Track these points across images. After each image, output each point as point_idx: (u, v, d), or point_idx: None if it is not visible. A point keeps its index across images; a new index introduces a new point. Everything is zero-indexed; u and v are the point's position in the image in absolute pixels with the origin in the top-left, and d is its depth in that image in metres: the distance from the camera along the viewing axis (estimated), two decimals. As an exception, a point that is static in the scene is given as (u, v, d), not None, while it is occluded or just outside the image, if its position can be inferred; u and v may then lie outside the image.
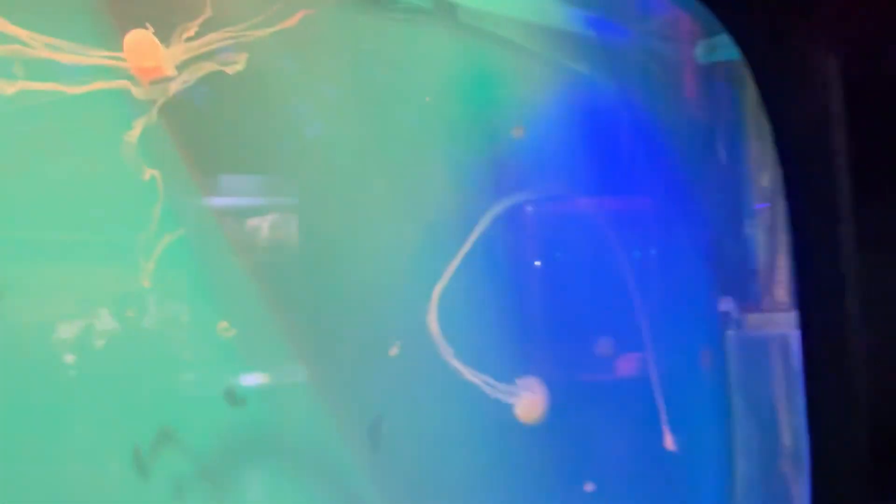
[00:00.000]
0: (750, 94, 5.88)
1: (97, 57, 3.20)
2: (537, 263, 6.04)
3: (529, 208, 5.77)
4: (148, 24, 3.46)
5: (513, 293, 5.86)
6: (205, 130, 4.71)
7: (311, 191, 5.17)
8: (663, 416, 5.86)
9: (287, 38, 4.40)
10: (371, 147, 5.20)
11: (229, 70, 3.90)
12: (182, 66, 3.77)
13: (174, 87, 3.72)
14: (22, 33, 2.98)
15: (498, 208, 5.47)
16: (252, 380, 4.88)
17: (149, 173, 3.89)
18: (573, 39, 5.83)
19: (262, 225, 5.13)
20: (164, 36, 3.64)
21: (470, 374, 5.30)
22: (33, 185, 3.89)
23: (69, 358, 4.12)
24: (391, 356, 5.20)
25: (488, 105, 5.56)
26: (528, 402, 5.49)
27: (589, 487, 5.62)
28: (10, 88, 3.13)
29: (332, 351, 5.19)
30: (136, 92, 3.54)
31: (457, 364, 5.27)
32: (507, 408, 5.41)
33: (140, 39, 3.25)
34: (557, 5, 5.67)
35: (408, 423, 5.32)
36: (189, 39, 3.62)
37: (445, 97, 5.31)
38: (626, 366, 6.02)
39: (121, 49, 3.27)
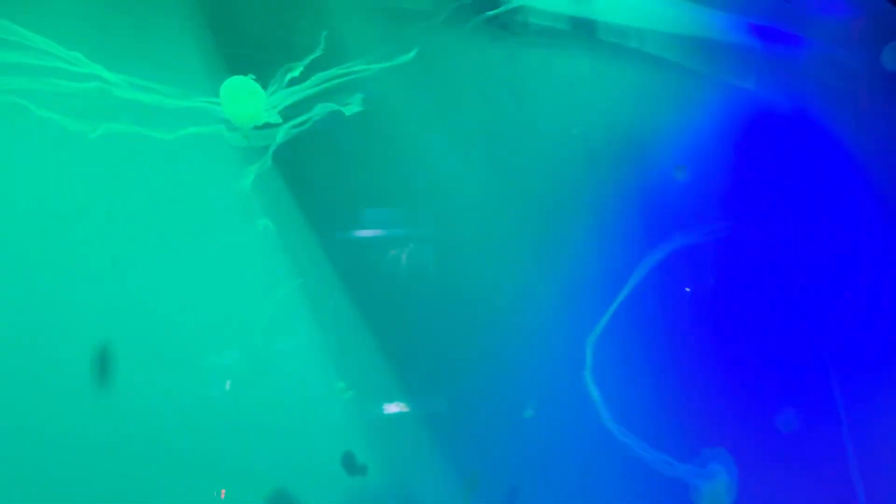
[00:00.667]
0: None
1: (198, 101, 3.09)
2: (701, 312, 5.32)
3: (695, 251, 5.18)
4: (249, 71, 3.34)
5: (676, 349, 5.26)
6: (328, 168, 4.63)
7: (445, 225, 5.00)
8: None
9: (410, 71, 4.22)
10: (508, 182, 4.92)
11: (346, 109, 3.68)
12: (294, 108, 3.59)
13: (287, 130, 3.57)
14: (124, 78, 2.91)
15: (657, 252, 5.04)
16: (373, 444, 4.68)
17: (262, 222, 3.74)
18: (734, 51, 5.23)
19: (400, 256, 5.06)
20: (271, 78, 3.49)
21: (629, 440, 4.82)
22: (148, 232, 3.95)
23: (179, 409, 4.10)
24: (529, 418, 4.93)
25: (638, 133, 5.11)
26: (717, 484, 4.89)
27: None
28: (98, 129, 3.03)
29: (463, 411, 4.92)
30: (237, 138, 3.40)
31: (617, 430, 4.84)
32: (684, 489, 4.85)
33: (239, 86, 3.12)
34: (712, 14, 5.05)
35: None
36: (296, 81, 3.45)
37: (589, 125, 4.91)
38: (817, 436, 5.24)
39: (224, 93, 3.13)
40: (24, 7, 2.65)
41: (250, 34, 3.66)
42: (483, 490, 4.79)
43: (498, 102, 4.80)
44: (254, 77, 3.22)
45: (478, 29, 4.07)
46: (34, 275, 3.65)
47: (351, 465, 4.52)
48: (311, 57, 3.48)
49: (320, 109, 3.71)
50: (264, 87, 3.21)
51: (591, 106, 4.91)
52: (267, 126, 3.41)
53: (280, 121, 3.37)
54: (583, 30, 4.77)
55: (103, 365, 3.87)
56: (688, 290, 5.37)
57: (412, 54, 3.74)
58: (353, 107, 3.66)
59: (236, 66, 3.45)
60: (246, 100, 3.13)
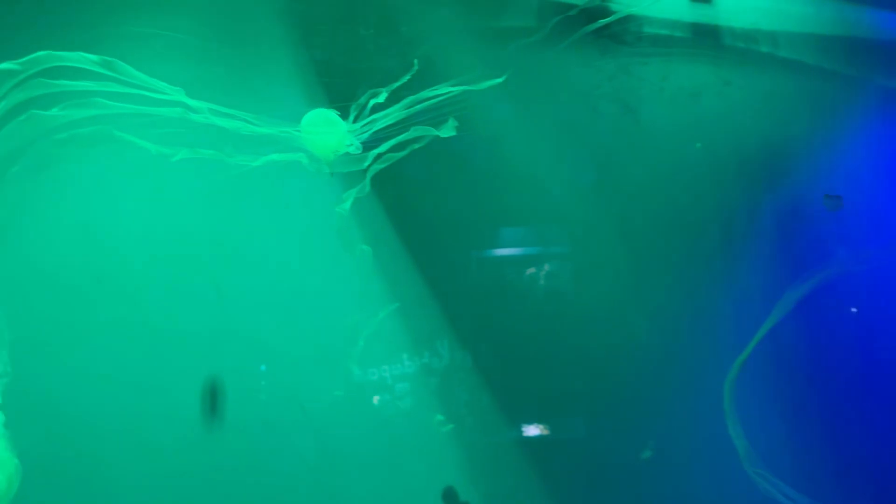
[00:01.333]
0: None
1: (287, 129, 3.22)
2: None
3: (850, 281, 4.64)
4: (339, 98, 3.43)
5: (826, 386, 4.71)
6: (456, 191, 4.68)
7: (583, 243, 4.91)
8: None
9: (517, 90, 4.19)
10: (625, 201, 4.78)
11: (443, 132, 3.70)
12: (393, 132, 3.65)
13: (380, 154, 3.63)
14: (211, 106, 3.08)
15: (804, 282, 4.61)
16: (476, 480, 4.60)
17: (360, 248, 3.85)
18: (884, 49, 4.71)
19: (537, 275, 5.03)
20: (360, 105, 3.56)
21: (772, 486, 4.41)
22: (247, 259, 4.12)
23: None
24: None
25: (774, 146, 4.72)
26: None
27: None
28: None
29: (588, 442, 4.78)
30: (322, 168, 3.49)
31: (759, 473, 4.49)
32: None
33: (320, 118, 3.23)
34: (857, 9, 4.57)
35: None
36: (395, 105, 3.50)
37: (714, 140, 4.62)
38: None
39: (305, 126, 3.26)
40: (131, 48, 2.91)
41: (339, 62, 3.77)
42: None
43: (610, 118, 4.68)
44: (338, 112, 3.31)
45: (585, 42, 3.97)
46: (140, 302, 3.84)
47: (453, 499, 4.53)
48: (406, 79, 3.52)
49: (420, 132, 3.72)
50: (352, 113, 3.29)
51: (717, 118, 4.65)
52: (363, 151, 3.49)
53: (360, 151, 3.44)
54: (705, 36, 4.51)
55: (210, 391, 4.06)
56: (854, 310, 4.89)
57: (517, 72, 3.71)
58: (448, 130, 3.67)
59: (323, 94, 3.57)
60: (327, 132, 3.24)
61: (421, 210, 4.62)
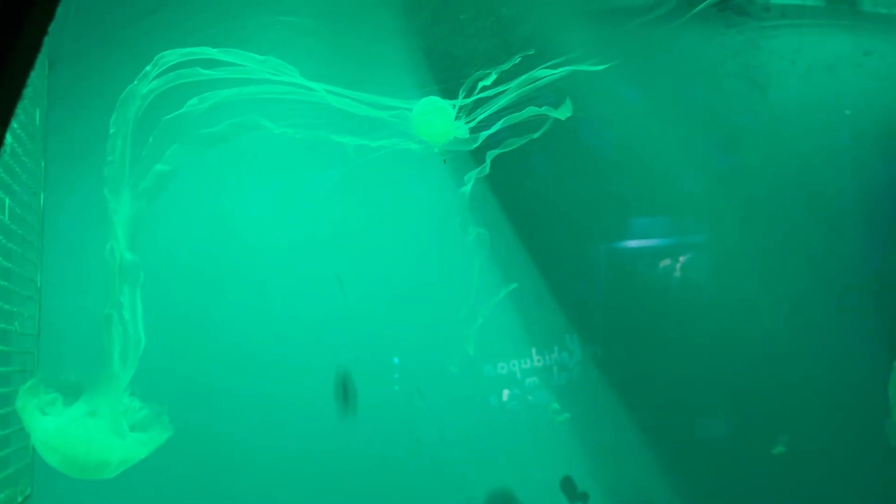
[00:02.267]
0: None
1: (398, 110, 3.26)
2: None
3: None
4: (452, 83, 3.45)
5: None
6: (578, 178, 4.61)
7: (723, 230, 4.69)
8: None
9: (641, 69, 4.10)
10: (775, 180, 4.50)
11: (560, 113, 3.64)
12: (496, 117, 3.63)
13: (494, 137, 3.62)
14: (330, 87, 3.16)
15: None
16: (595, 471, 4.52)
17: (477, 232, 3.84)
18: None
19: (674, 267, 4.89)
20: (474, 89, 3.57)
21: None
22: (367, 244, 4.18)
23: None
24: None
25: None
26: None
27: None
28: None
29: (723, 437, 4.60)
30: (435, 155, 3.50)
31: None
32: None
33: (431, 106, 3.26)
34: None
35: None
36: (507, 87, 3.49)
37: (853, 114, 4.32)
38: None
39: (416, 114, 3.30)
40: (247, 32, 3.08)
41: (441, 48, 3.79)
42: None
43: (737, 96, 4.47)
44: (447, 97, 3.33)
45: (708, 16, 3.82)
46: (268, 291, 3.97)
47: (571, 492, 4.48)
48: (516, 61, 3.50)
49: (536, 112, 3.66)
50: (462, 97, 3.31)
51: (856, 92, 4.34)
52: (475, 136, 3.49)
53: (471, 136, 3.44)
54: (840, 3, 4.22)
55: (342, 381, 4.16)
56: None
57: (636, 51, 3.62)
58: (565, 110, 3.60)
59: (431, 79, 3.60)
60: (438, 118, 3.26)
61: (545, 201, 4.58)
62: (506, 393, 4.58)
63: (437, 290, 4.24)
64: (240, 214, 3.93)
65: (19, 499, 3.14)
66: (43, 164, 3.27)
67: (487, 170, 3.83)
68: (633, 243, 4.87)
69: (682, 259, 4.84)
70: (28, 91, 3.00)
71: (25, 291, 3.10)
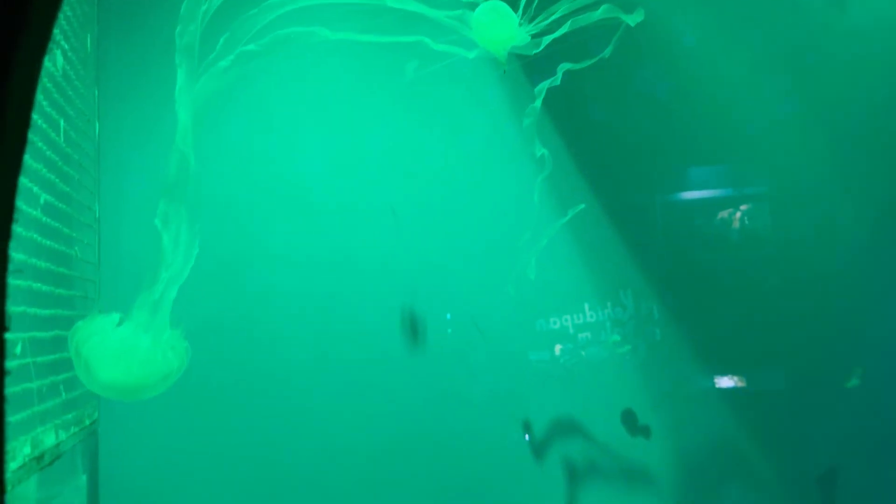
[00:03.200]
0: None
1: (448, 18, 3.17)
2: None
3: None
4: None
5: None
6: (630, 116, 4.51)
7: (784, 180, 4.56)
8: None
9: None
10: (853, 121, 4.36)
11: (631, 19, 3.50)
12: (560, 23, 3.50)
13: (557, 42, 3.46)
14: None
15: None
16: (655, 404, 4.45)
17: (541, 152, 3.75)
18: None
19: (732, 218, 4.77)
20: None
21: None
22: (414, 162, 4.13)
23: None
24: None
25: None
26: None
27: None
28: None
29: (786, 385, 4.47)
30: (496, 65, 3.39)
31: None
32: None
33: (491, 9, 3.16)
34: None
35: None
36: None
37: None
38: None
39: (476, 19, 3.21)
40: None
41: None
42: (786, 463, 4.31)
43: (814, 16, 4.28)
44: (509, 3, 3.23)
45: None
46: (319, 223, 3.97)
47: (632, 424, 4.39)
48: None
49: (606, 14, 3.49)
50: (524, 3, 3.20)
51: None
52: (537, 45, 3.35)
53: (533, 44, 3.32)
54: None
55: (412, 326, 4.16)
56: None
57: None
58: (637, 16, 3.46)
59: None
60: (500, 25, 3.16)
61: (599, 147, 4.49)
62: (558, 348, 4.55)
63: (493, 218, 4.20)
64: (293, 141, 3.93)
65: (87, 421, 3.20)
66: (96, 92, 3.32)
67: (558, 81, 3.71)
68: (690, 194, 4.75)
69: (741, 210, 4.72)
70: (78, 14, 3.07)
71: (84, 218, 3.15)
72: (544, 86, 3.55)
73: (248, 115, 3.77)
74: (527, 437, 4.33)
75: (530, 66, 4.01)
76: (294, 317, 3.86)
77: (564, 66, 3.58)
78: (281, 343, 3.85)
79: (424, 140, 4.12)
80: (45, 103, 2.64)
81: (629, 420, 4.39)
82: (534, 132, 3.63)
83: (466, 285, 4.23)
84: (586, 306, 4.55)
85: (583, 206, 3.92)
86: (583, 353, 4.53)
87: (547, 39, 3.24)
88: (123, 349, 2.43)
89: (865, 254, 4.37)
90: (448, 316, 4.28)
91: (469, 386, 4.23)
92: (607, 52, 3.73)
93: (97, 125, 3.33)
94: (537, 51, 3.41)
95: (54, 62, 2.72)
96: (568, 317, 4.54)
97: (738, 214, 4.74)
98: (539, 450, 4.33)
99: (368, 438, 3.98)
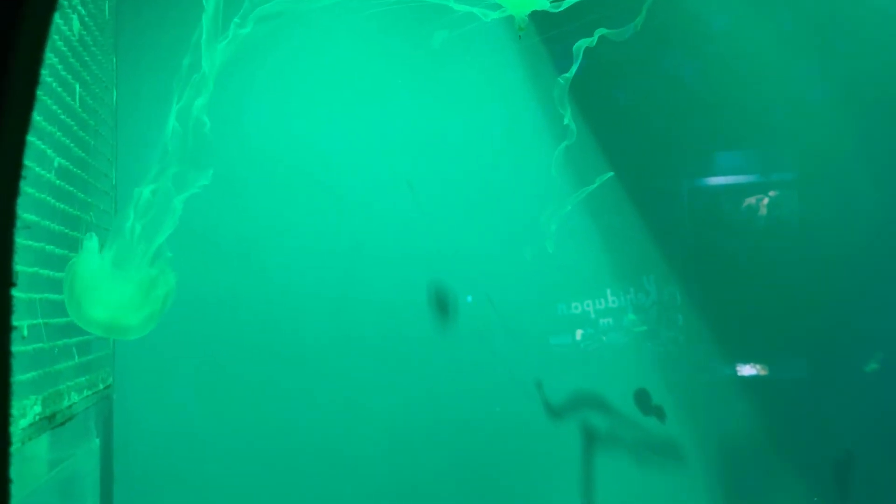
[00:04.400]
0: None
1: None
2: None
3: None
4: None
5: None
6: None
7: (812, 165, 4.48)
8: None
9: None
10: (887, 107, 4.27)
11: None
12: None
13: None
14: None
15: None
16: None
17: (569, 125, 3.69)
18: None
19: (759, 204, 4.70)
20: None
21: None
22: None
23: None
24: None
25: None
26: None
27: None
28: None
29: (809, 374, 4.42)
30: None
31: None
32: None
33: None
34: None
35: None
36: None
37: None
38: None
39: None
40: None
41: None
42: (805, 451, 4.25)
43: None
44: None
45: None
46: (337, 192, 3.99)
47: (646, 404, 4.35)
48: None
49: None
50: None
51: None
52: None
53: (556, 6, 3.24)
54: None
55: (439, 304, 4.19)
56: None
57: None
58: None
59: None
60: None
61: (625, 130, 4.44)
62: (579, 333, 4.52)
63: (511, 193, 4.18)
64: (311, 113, 3.94)
65: (101, 385, 3.25)
66: (114, 59, 3.35)
67: (594, 42, 3.64)
68: (717, 179, 4.68)
69: (769, 196, 4.64)
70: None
71: (101, 185, 3.19)
72: (582, 44, 3.47)
73: (265, 86, 3.80)
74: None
75: (550, 41, 3.98)
76: (311, 289, 3.90)
77: (599, 32, 3.51)
78: (298, 316, 3.89)
79: (442, 113, 4.10)
80: (59, 66, 2.67)
81: (645, 402, 4.36)
82: (565, 100, 3.59)
83: (486, 264, 4.22)
84: (608, 291, 4.53)
85: (611, 174, 3.85)
86: (604, 338, 4.51)
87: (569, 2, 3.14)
88: (113, 288, 2.46)
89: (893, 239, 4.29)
90: (469, 298, 4.27)
91: (489, 368, 4.23)
92: (631, 29, 3.65)
93: (115, 93, 3.36)
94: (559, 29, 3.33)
95: (70, 26, 2.74)
96: (590, 302, 4.52)
97: (766, 201, 4.67)
98: (557, 431, 4.31)
99: (386, 416, 4.00)
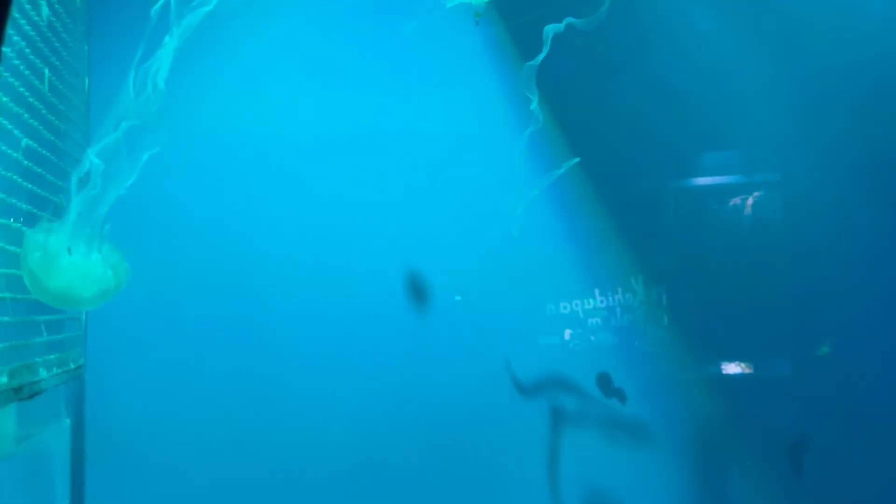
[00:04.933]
0: None
1: None
2: None
3: None
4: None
5: None
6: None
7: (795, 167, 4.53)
8: None
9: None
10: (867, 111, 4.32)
11: None
12: None
13: None
14: None
15: None
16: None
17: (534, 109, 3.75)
18: None
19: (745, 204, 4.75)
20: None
21: None
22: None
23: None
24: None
25: None
26: None
27: None
28: None
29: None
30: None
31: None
32: None
33: None
34: None
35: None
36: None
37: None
38: None
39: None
40: None
41: None
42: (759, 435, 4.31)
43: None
44: None
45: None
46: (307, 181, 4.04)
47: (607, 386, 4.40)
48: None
49: None
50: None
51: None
52: None
53: None
54: None
55: (415, 290, 4.23)
56: None
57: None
58: None
59: None
60: None
61: (610, 131, 4.47)
62: (568, 332, 4.56)
63: (481, 182, 4.24)
64: (277, 94, 3.99)
65: (71, 365, 3.32)
66: (86, 48, 3.46)
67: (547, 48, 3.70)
68: (702, 180, 4.71)
69: (754, 197, 4.68)
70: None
71: (73, 170, 3.28)
72: (550, 30, 3.52)
73: (233, 71, 3.87)
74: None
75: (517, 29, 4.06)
76: (282, 273, 3.95)
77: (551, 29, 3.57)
78: (269, 299, 3.94)
79: (410, 101, 4.17)
80: (27, 50, 2.77)
81: (607, 386, 4.41)
82: (532, 85, 3.65)
83: (461, 256, 4.28)
84: (596, 291, 4.58)
85: (577, 159, 3.92)
86: (592, 337, 4.56)
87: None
88: (66, 262, 2.54)
89: (875, 239, 4.33)
90: (458, 297, 4.34)
91: (467, 361, 4.26)
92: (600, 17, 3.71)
93: (87, 80, 3.46)
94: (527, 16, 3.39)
95: (39, 12, 2.85)
96: (578, 301, 4.57)
97: (751, 201, 4.72)
98: (534, 425, 4.35)
99: (356, 396, 4.06)
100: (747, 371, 4.57)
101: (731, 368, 4.59)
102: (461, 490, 4.20)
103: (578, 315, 4.55)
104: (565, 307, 4.54)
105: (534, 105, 3.65)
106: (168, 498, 3.78)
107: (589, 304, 4.57)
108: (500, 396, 4.31)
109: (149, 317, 3.72)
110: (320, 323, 3.99)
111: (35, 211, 2.90)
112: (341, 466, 3.99)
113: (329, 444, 3.97)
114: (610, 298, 4.57)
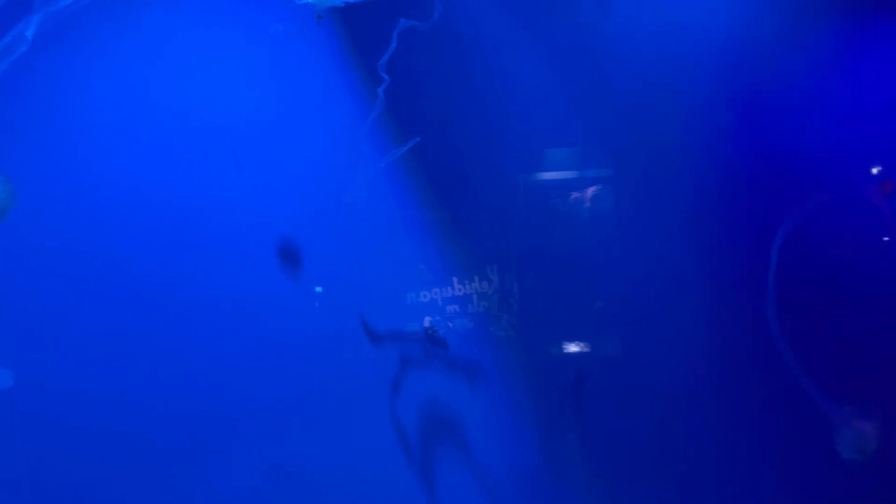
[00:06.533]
0: None
1: None
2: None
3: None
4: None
5: None
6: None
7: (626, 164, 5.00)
8: None
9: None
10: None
11: None
12: None
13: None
14: None
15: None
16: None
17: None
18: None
19: (582, 199, 5.12)
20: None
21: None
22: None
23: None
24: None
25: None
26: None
27: None
28: None
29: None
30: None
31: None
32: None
33: None
34: None
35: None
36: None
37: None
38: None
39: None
40: None
41: None
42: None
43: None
44: None
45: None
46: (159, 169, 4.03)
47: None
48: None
49: None
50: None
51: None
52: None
53: None
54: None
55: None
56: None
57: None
58: None
59: None
60: None
61: (461, 129, 4.78)
62: (427, 320, 4.83)
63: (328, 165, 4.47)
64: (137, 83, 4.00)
65: None
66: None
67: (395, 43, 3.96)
68: (547, 175, 5.08)
69: (591, 191, 5.06)
70: None
71: None
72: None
73: (90, 58, 3.86)
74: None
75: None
76: (137, 251, 3.97)
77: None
78: (122, 273, 3.95)
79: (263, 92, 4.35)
80: None
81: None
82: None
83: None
84: (455, 280, 4.89)
85: (418, 139, 4.25)
86: (450, 324, 4.87)
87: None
88: None
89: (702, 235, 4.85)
90: (318, 289, 4.52)
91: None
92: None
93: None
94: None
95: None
96: (437, 290, 4.87)
97: (589, 194, 5.10)
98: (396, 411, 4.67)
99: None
100: (585, 350, 5.02)
101: (572, 348, 5.04)
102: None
103: (437, 303, 4.86)
104: (425, 296, 4.85)
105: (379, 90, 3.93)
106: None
107: (447, 292, 4.89)
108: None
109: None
110: (178, 305, 4.08)
111: None
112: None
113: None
114: (467, 286, 4.91)
